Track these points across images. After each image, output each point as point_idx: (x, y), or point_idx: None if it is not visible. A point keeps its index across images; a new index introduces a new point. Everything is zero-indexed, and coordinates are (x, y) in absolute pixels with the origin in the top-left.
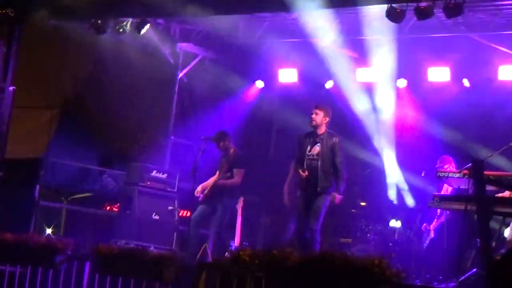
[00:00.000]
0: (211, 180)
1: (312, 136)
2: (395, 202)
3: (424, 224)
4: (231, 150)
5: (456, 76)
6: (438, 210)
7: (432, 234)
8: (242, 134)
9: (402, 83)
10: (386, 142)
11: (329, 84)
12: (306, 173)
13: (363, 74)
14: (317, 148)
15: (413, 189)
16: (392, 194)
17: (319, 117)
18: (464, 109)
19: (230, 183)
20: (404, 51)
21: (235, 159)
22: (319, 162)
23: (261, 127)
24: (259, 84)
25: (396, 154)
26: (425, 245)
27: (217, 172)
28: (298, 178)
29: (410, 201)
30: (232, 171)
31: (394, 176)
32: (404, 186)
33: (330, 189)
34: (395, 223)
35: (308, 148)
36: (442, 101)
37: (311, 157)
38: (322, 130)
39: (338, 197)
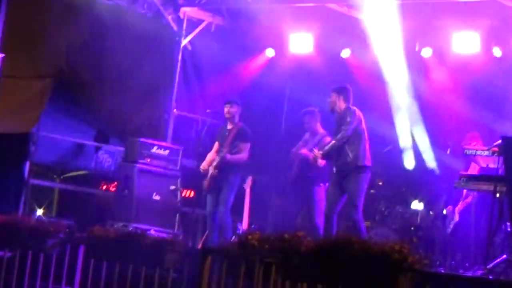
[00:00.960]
0: (211, 156)
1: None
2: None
3: (449, 207)
4: (236, 122)
5: (486, 45)
6: (464, 191)
7: (456, 218)
8: (250, 107)
9: (427, 52)
10: (409, 116)
11: (345, 53)
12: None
13: (382, 42)
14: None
15: (437, 168)
16: (411, 168)
17: (331, 99)
18: (494, 81)
19: (237, 158)
20: (428, 17)
21: (240, 132)
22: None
23: (271, 99)
24: (270, 52)
25: (420, 129)
26: (449, 229)
27: (216, 145)
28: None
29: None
30: (236, 145)
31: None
32: (431, 163)
33: (358, 166)
34: (417, 205)
35: None
36: (470, 71)
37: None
38: (341, 109)
39: (311, 154)
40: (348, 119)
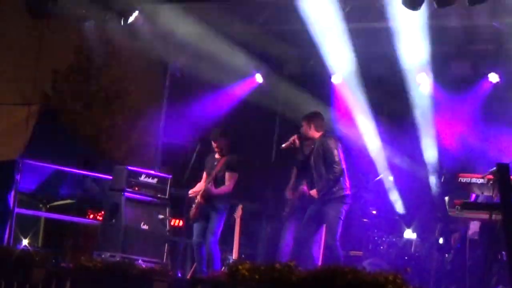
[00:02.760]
0: (200, 185)
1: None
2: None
3: (456, 234)
4: (226, 151)
5: (481, 70)
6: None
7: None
8: (240, 131)
9: (423, 78)
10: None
11: (336, 79)
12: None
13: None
14: (312, 156)
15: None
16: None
17: (303, 129)
18: (493, 106)
19: (221, 191)
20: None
21: (228, 162)
22: (313, 169)
23: (263, 123)
24: (258, 78)
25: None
26: (449, 260)
27: (204, 174)
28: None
29: None
30: (222, 176)
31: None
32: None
33: (337, 195)
34: (410, 235)
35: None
36: (468, 97)
37: (310, 165)
38: (315, 136)
39: (313, 192)
40: (328, 149)
